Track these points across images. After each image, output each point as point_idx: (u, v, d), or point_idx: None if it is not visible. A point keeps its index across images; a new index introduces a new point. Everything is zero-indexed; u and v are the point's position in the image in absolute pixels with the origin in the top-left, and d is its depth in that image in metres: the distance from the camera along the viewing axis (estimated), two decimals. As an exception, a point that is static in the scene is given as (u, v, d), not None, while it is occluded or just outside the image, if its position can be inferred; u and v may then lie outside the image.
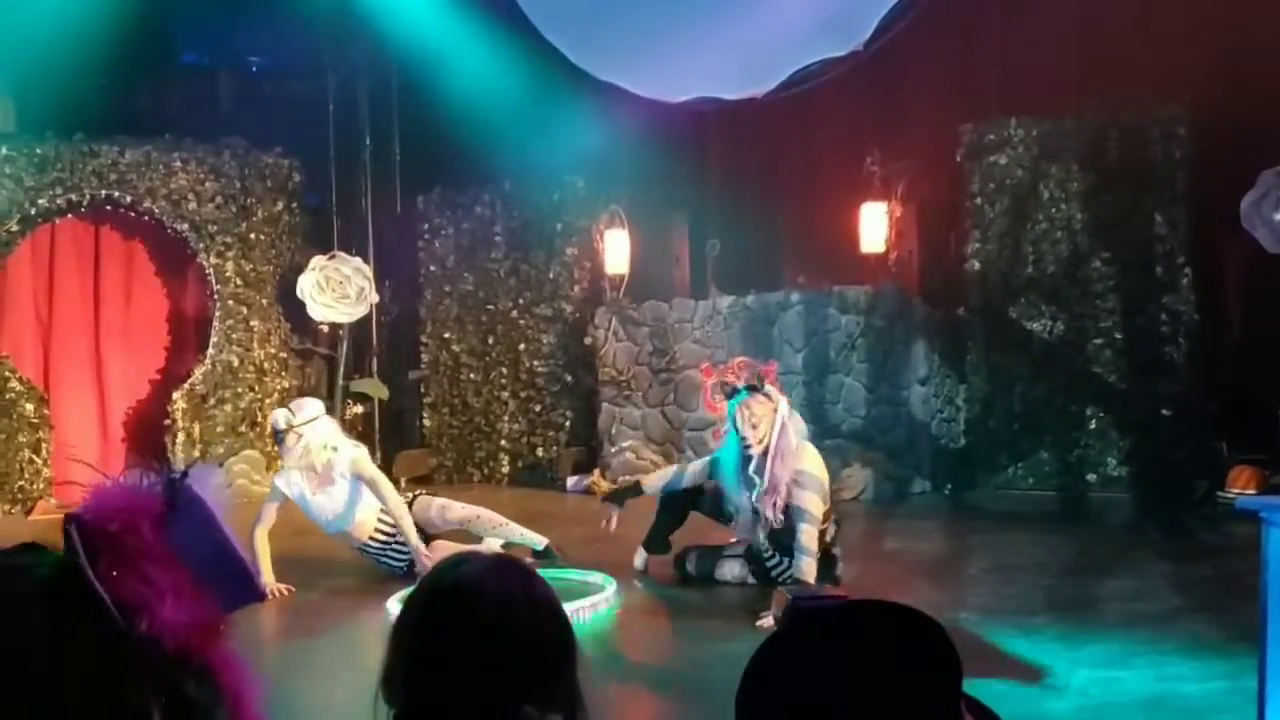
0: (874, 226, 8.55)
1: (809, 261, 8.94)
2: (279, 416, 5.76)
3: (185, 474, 1.23)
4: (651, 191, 9.34)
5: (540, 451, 9.71)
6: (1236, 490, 7.04)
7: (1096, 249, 7.95)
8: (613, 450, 9.07)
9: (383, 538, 5.85)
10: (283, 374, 9.70)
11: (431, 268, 10.12)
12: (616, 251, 9.36)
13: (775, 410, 5.16)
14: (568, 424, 9.62)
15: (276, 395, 9.57)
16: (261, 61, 10.67)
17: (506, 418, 9.81)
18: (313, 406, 5.83)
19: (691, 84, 9.63)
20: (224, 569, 1.25)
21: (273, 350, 9.67)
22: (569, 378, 9.61)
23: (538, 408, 9.71)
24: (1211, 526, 6.70)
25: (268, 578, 5.50)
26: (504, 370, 9.83)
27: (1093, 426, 8.04)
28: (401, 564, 5.82)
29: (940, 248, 8.73)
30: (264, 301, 9.65)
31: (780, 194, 9.35)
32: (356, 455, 5.73)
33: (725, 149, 10.02)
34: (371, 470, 5.76)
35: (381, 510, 5.77)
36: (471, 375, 9.96)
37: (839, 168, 8.87)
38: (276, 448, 6.04)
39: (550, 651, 1.28)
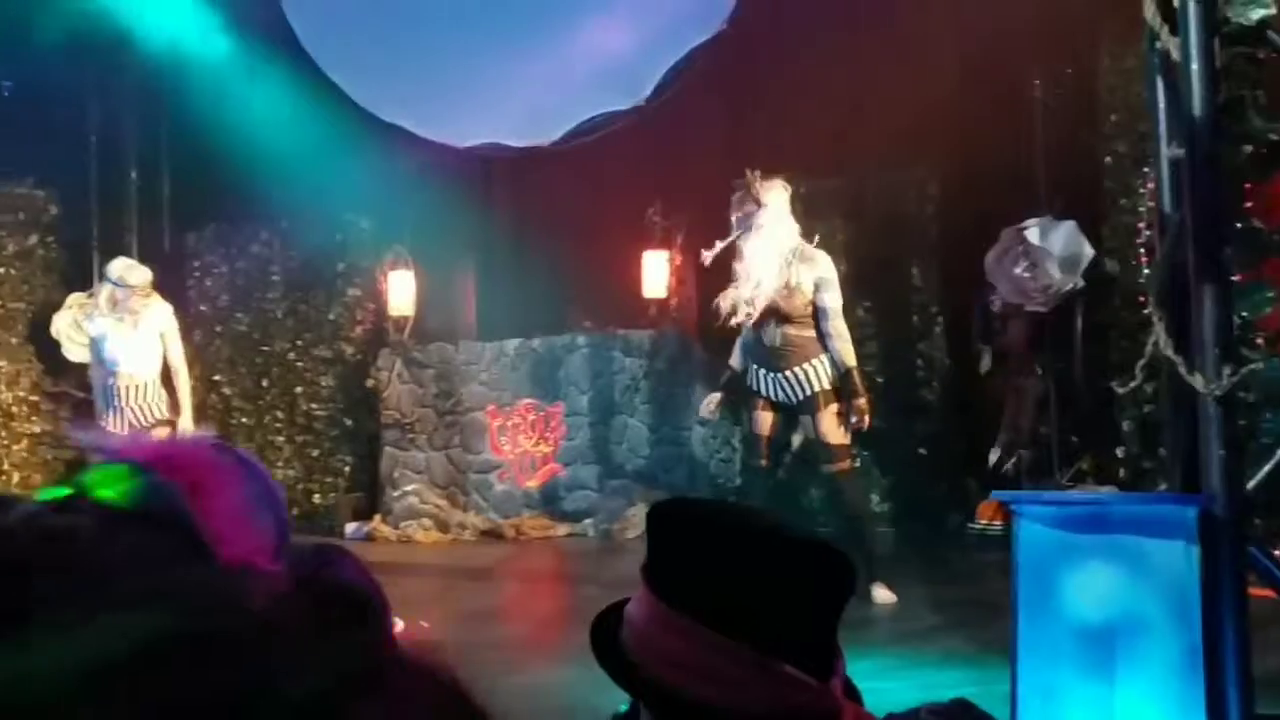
0: (656, 273, 8.85)
1: (594, 306, 9.14)
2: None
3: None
4: (438, 234, 9.32)
5: (317, 498, 9.40)
6: (984, 522, 7.65)
7: (859, 299, 8.49)
8: (395, 494, 8.90)
9: None
10: (34, 418, 9.01)
11: (202, 307, 9.69)
12: (401, 293, 9.26)
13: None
14: (347, 469, 9.37)
15: (26, 441, 8.89)
16: (13, 85, 9.98)
17: (281, 463, 9.44)
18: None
19: (478, 130, 9.71)
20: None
21: (22, 393, 8.98)
22: (349, 421, 9.39)
23: (315, 453, 9.42)
24: (963, 555, 7.27)
25: None
26: (279, 414, 9.49)
27: (858, 465, 8.53)
28: None
29: (718, 295, 9.09)
30: (13, 340, 8.98)
31: (566, 240, 9.52)
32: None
33: (512, 194, 10.13)
34: None
35: None
36: (244, 419, 9.56)
37: (622, 216, 9.13)
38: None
39: None
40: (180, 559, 0.77)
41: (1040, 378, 7.75)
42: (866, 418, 5.69)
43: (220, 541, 0.85)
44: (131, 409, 6.87)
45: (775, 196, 5.73)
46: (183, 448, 0.97)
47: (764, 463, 6.01)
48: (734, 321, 5.75)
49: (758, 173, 5.82)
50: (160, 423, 6.86)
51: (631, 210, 9.00)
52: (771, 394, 5.76)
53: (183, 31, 9.34)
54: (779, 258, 5.61)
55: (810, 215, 8.59)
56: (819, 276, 5.63)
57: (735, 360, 5.92)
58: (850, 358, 5.64)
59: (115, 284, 6.96)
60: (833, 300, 5.64)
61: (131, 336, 6.92)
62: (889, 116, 8.27)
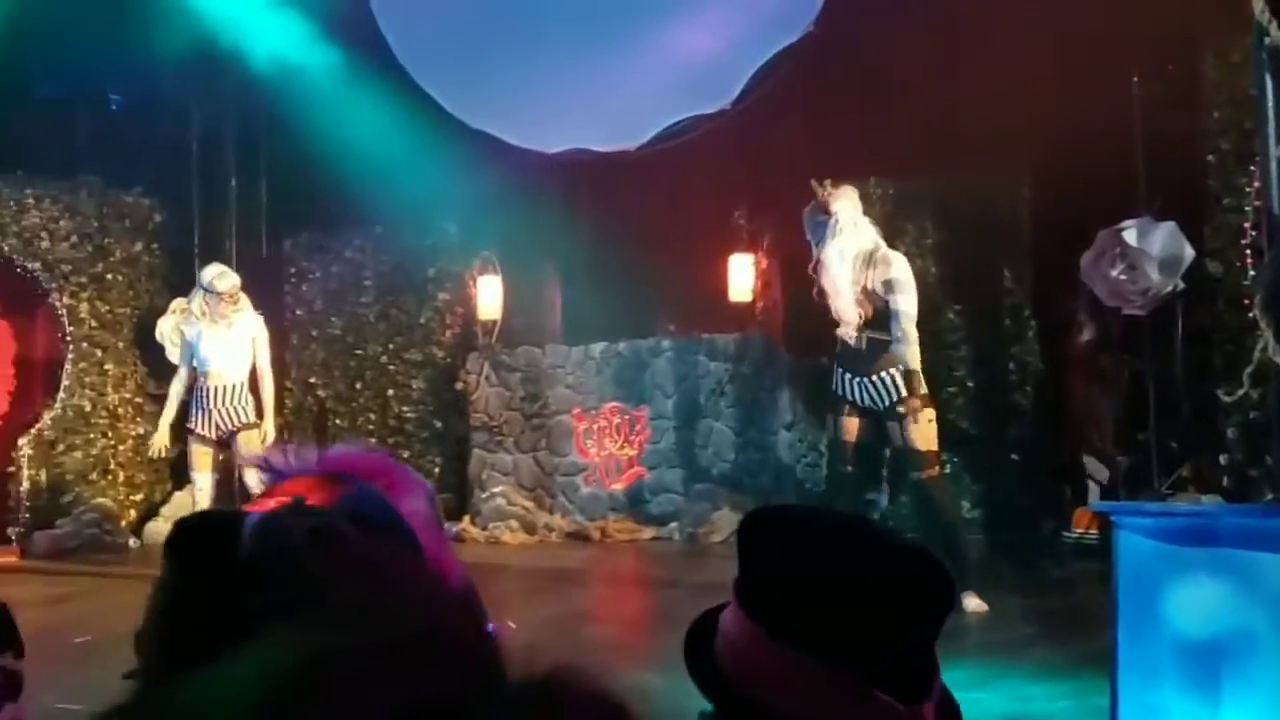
0: (742, 277, 8.82)
1: (679, 309, 9.15)
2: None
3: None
4: (525, 238, 9.43)
5: (408, 499, 9.57)
6: (1080, 530, 7.45)
7: (949, 302, 8.35)
8: (483, 496, 9.02)
9: None
10: (138, 419, 9.34)
11: (298, 312, 9.94)
12: (489, 297, 9.39)
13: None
14: (437, 470, 9.51)
15: (131, 441, 9.21)
16: (122, 98, 10.37)
17: (373, 465, 9.64)
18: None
19: (564, 136, 9.79)
20: None
21: (128, 395, 9.32)
22: (439, 424, 9.54)
23: (406, 454, 9.57)
24: (1057, 564, 7.10)
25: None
26: (372, 416, 9.69)
27: (947, 471, 8.38)
28: None
29: (804, 298, 9.01)
30: (120, 344, 9.31)
31: (651, 244, 9.55)
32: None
33: (597, 199, 10.18)
34: None
35: None
36: (338, 421, 9.78)
37: (708, 220, 9.13)
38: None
39: None
40: (407, 559, 0.81)
41: (1104, 386, 7.55)
42: (918, 415, 5.61)
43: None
44: (219, 410, 7.05)
45: (844, 204, 5.65)
46: (364, 456, 0.99)
47: (850, 468, 5.95)
48: (850, 339, 5.68)
49: (827, 182, 5.76)
50: (246, 426, 7.02)
51: (717, 214, 8.99)
52: (857, 398, 5.69)
53: (280, 44, 9.60)
54: (853, 263, 5.55)
55: (900, 217, 8.50)
56: (889, 278, 5.54)
57: None
58: (914, 360, 5.54)
59: (206, 290, 7.16)
60: (905, 303, 5.53)
61: (225, 338, 7.11)
62: (981, 116, 8.11)
